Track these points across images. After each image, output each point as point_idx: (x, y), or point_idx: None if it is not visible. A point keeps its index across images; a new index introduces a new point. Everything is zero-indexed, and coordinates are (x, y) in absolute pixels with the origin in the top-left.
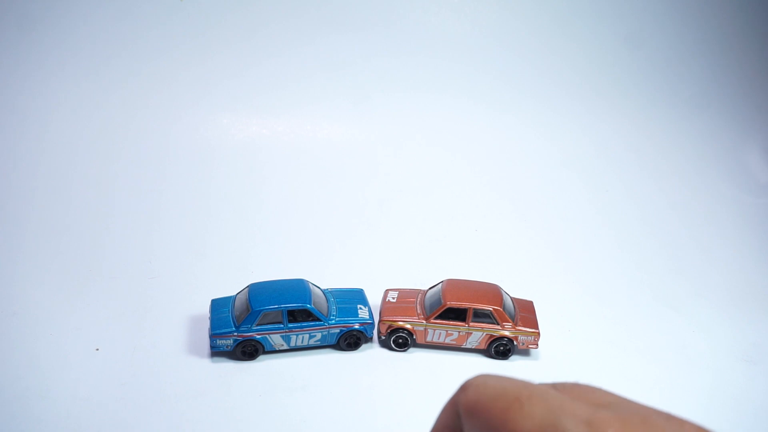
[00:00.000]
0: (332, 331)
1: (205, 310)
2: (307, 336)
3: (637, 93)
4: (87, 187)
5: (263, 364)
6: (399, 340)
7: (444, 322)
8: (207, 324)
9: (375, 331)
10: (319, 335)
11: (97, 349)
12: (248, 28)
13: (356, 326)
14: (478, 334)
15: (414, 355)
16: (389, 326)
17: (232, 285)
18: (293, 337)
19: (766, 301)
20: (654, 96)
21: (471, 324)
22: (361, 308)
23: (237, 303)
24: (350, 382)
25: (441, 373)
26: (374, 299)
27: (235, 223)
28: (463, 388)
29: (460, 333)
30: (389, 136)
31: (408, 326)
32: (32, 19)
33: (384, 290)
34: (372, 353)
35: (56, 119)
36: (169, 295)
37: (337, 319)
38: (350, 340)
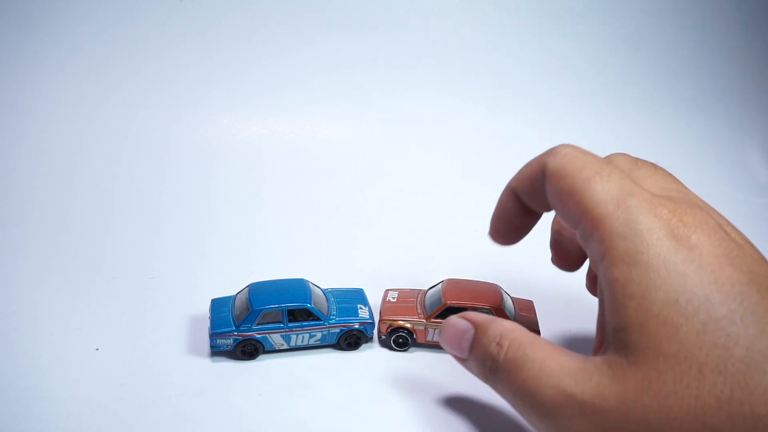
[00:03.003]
0: (332, 331)
1: (205, 310)
2: (307, 335)
3: (636, 93)
4: (87, 187)
5: (263, 363)
6: (399, 339)
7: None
8: (207, 324)
9: (375, 331)
10: (319, 335)
11: (97, 349)
12: (248, 28)
13: (356, 326)
14: None
15: (414, 355)
16: (389, 325)
17: (232, 285)
18: (293, 337)
19: None
20: (654, 96)
21: None
22: (361, 308)
23: (237, 303)
24: (350, 381)
25: (441, 373)
26: (374, 299)
27: (235, 223)
28: (553, 153)
29: None
30: (389, 136)
31: (408, 325)
32: (32, 19)
33: (384, 290)
34: (372, 353)
35: (56, 119)
36: (169, 295)
37: (337, 318)
38: (350, 340)
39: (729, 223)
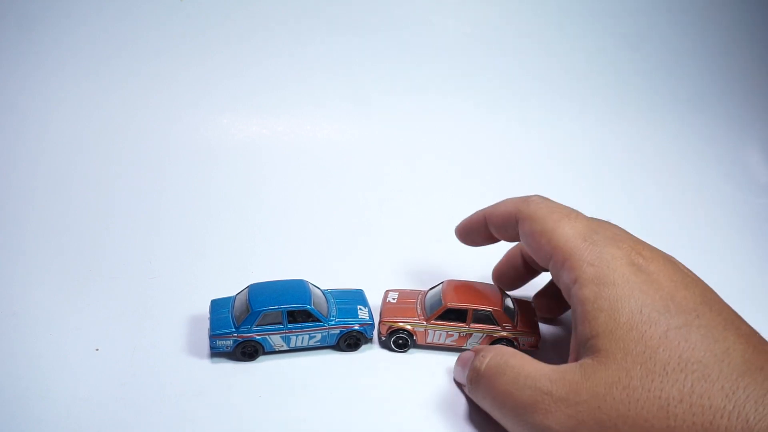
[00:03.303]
0: (332, 332)
1: (205, 310)
2: (306, 337)
3: (636, 93)
4: (87, 187)
5: (263, 364)
6: (399, 341)
7: (444, 323)
8: (207, 324)
9: (375, 332)
10: (318, 336)
11: (97, 349)
12: (248, 28)
13: (356, 327)
14: (478, 335)
15: (414, 355)
16: (389, 327)
17: (232, 285)
18: (293, 338)
19: (766, 301)
20: (654, 96)
21: (471, 325)
22: (360, 309)
23: (237, 303)
24: (350, 382)
25: (441, 374)
26: (374, 300)
27: (235, 223)
28: (526, 201)
29: (461, 334)
30: (389, 137)
31: (408, 327)
32: (32, 19)
33: (384, 291)
34: (372, 354)
35: (56, 119)
36: (169, 295)
37: (336, 319)
38: (350, 341)
39: (681, 263)
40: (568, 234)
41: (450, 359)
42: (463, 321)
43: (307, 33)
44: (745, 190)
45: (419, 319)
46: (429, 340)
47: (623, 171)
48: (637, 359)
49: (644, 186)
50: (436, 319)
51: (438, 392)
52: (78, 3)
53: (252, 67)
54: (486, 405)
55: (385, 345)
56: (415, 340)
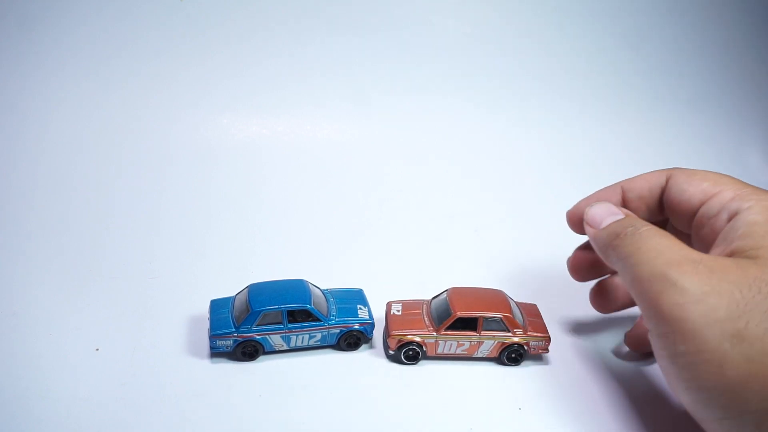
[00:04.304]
0: (332, 332)
1: (205, 310)
2: (307, 336)
3: (636, 93)
4: (87, 187)
5: (263, 364)
6: (410, 352)
7: (455, 332)
8: (207, 324)
9: (380, 338)
10: (319, 335)
11: (97, 349)
12: (248, 28)
13: (356, 326)
14: (489, 342)
15: None
16: (399, 340)
17: (232, 285)
18: (293, 338)
19: None
20: (654, 96)
21: (482, 333)
22: (360, 308)
23: (237, 303)
24: (350, 382)
25: (440, 374)
26: (374, 300)
27: (235, 223)
28: (677, 168)
29: (472, 343)
30: (389, 137)
31: (418, 339)
32: (32, 19)
33: (386, 303)
34: (372, 353)
35: (56, 119)
36: (169, 295)
37: (337, 319)
38: (350, 341)
39: None
40: (732, 181)
41: (450, 362)
42: (474, 329)
43: (307, 33)
44: None
45: (429, 330)
46: (439, 351)
47: (623, 171)
48: None
49: None
50: (447, 329)
51: (438, 392)
52: (78, 3)
53: (252, 67)
54: (625, 253)
55: (395, 358)
56: (425, 351)
